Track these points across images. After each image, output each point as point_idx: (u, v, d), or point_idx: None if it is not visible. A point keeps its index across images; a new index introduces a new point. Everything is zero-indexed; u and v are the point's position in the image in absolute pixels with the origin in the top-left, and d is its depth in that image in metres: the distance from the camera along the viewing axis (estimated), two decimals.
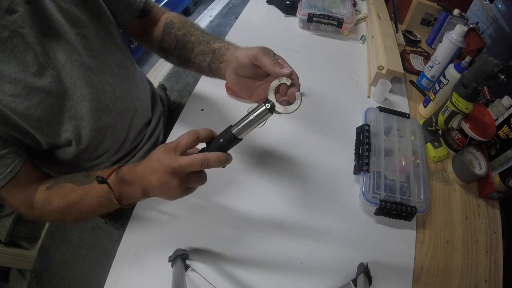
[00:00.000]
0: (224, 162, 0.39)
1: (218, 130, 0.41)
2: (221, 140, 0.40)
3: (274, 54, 0.45)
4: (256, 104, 0.40)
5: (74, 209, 0.46)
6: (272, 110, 0.38)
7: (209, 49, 0.53)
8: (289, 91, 0.42)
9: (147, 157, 0.42)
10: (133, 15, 0.56)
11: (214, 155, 0.39)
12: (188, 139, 0.39)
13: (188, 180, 0.40)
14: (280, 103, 0.39)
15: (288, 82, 0.41)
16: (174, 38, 0.56)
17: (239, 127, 0.39)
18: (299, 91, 0.41)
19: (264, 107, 0.38)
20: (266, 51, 0.44)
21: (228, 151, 0.41)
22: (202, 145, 0.42)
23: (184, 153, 0.39)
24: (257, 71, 0.46)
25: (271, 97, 0.40)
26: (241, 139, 0.40)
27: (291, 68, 0.43)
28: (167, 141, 0.65)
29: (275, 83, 0.41)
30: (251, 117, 0.38)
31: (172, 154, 0.38)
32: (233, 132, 0.39)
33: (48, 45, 0.43)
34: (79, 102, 0.47)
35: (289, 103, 0.42)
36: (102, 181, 0.40)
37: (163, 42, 0.57)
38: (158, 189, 0.41)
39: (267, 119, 0.39)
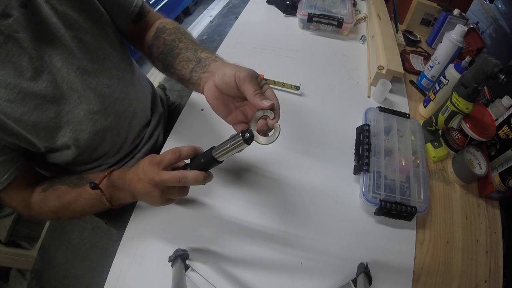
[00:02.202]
0: (201, 181, 0.42)
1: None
2: (202, 160, 0.43)
3: (261, 80, 0.43)
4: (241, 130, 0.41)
5: (69, 209, 0.49)
6: (249, 141, 0.39)
7: (195, 56, 0.50)
8: (269, 123, 0.41)
9: (136, 165, 0.46)
10: (127, 19, 0.55)
11: (191, 174, 0.42)
12: (171, 156, 0.43)
13: (168, 192, 0.44)
14: (261, 130, 0.42)
15: (271, 116, 0.41)
16: (162, 42, 0.54)
17: (219, 151, 0.41)
18: (278, 121, 0.41)
19: (240, 137, 0.39)
20: (253, 77, 0.42)
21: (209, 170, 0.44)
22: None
23: (167, 168, 0.43)
24: (240, 93, 0.43)
25: (253, 127, 0.42)
26: (221, 162, 0.43)
27: (275, 98, 0.42)
28: (166, 142, 0.65)
29: (259, 113, 0.42)
30: (228, 145, 0.40)
31: (155, 168, 0.42)
32: (213, 154, 0.41)
33: (44, 50, 0.42)
34: (76, 106, 0.46)
35: (266, 132, 0.43)
36: (95, 187, 0.43)
37: (152, 46, 0.55)
38: (142, 196, 0.46)
39: (244, 148, 0.41)
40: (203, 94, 0.47)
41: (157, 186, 0.43)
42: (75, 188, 0.49)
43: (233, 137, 0.40)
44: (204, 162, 0.43)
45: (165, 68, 0.55)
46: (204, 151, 0.44)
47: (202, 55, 0.50)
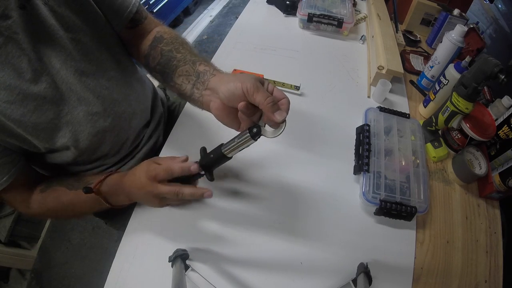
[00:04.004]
0: (198, 196, 0.46)
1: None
2: (212, 156, 0.45)
3: (264, 82, 0.41)
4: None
5: (68, 210, 0.51)
6: (256, 136, 0.40)
7: (194, 70, 0.48)
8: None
9: (132, 171, 0.49)
10: (122, 24, 0.54)
11: (188, 190, 0.46)
12: (164, 174, 0.46)
13: (167, 200, 0.49)
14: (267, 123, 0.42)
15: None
16: (159, 52, 0.53)
17: (228, 147, 0.43)
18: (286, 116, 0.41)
19: (248, 134, 0.40)
20: (260, 84, 0.39)
21: (212, 179, 0.48)
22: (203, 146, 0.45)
23: (163, 182, 0.47)
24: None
25: (260, 122, 0.42)
26: (230, 158, 0.45)
27: (283, 94, 0.41)
28: (166, 142, 0.65)
29: None
30: (236, 141, 0.42)
31: (152, 182, 0.46)
32: (222, 151, 0.43)
33: (43, 51, 0.42)
34: (75, 107, 0.47)
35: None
36: (87, 191, 0.45)
37: (149, 56, 0.54)
38: (142, 201, 0.52)
39: (252, 143, 0.42)
40: (209, 111, 0.46)
41: (155, 197, 0.47)
42: (73, 190, 0.49)
43: (241, 133, 0.42)
44: (213, 158, 0.45)
45: (165, 80, 0.53)
46: (204, 155, 0.47)
47: (200, 68, 0.48)
